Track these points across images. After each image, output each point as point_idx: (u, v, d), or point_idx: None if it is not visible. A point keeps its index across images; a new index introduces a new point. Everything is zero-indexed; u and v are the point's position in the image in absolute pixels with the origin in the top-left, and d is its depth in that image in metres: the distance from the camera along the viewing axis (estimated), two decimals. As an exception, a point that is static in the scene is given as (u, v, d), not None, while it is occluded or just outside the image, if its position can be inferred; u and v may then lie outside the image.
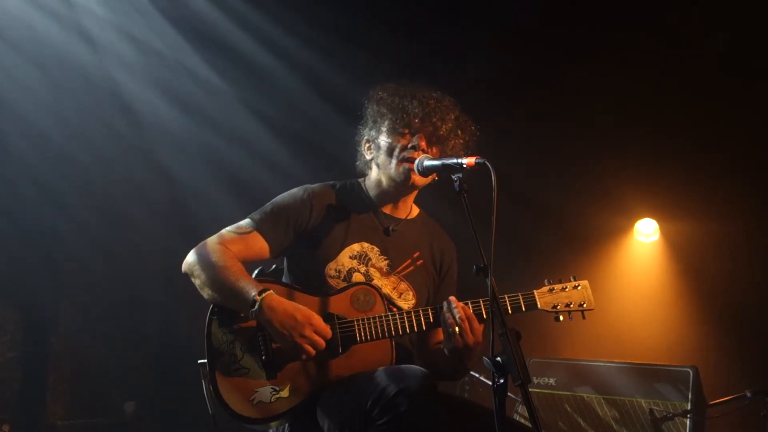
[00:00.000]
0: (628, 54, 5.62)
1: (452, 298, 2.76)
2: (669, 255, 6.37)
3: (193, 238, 2.95)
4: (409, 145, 2.92)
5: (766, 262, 5.68)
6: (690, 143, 5.77)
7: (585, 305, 2.91)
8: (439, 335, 2.86)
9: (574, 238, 6.30)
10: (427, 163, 2.80)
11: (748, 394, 4.17)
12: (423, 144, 2.92)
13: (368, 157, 3.11)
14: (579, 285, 2.93)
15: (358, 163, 3.19)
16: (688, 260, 6.20)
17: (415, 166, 2.85)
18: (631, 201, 6.31)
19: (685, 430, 4.38)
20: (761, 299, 5.58)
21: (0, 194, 5.14)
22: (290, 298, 2.78)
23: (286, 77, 5.77)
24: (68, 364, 5.62)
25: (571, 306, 2.90)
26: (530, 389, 2.20)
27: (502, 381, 2.19)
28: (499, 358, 2.20)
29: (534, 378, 4.96)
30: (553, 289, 2.91)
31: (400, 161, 2.93)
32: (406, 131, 2.94)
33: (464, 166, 2.56)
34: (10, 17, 5.05)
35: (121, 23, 5.41)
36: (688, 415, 4.35)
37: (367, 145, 3.11)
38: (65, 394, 5.61)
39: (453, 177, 2.57)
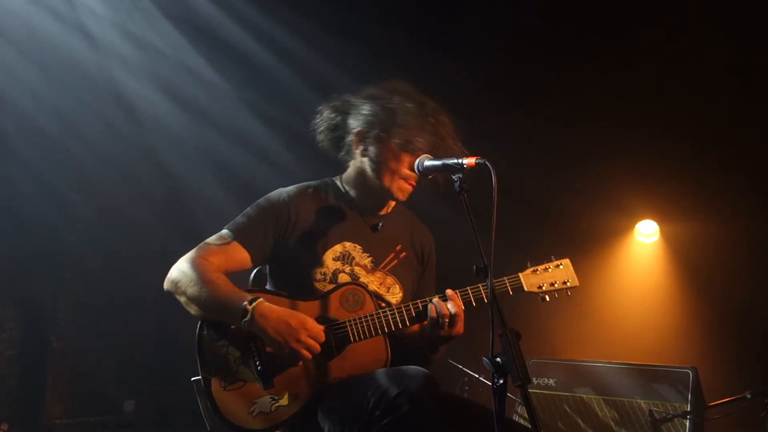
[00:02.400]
0: (628, 54, 5.62)
1: (449, 292, 2.79)
2: (669, 256, 6.35)
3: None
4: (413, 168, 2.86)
5: (767, 262, 5.67)
6: (691, 144, 5.76)
7: (569, 283, 2.94)
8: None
9: (575, 239, 6.27)
10: (427, 163, 2.78)
11: (748, 396, 4.16)
12: None
13: (356, 151, 3.01)
14: (561, 264, 2.96)
15: (341, 154, 3.09)
16: (688, 261, 6.19)
17: (415, 166, 2.83)
18: (632, 202, 6.30)
19: (685, 431, 4.37)
20: (761, 300, 5.56)
21: (0, 192, 5.14)
22: (278, 305, 2.71)
23: (286, 75, 5.76)
24: (67, 362, 5.62)
25: (556, 285, 2.92)
26: (530, 390, 2.19)
27: (501, 382, 2.18)
28: (498, 359, 2.18)
29: (533, 378, 4.95)
30: (537, 270, 2.93)
31: (401, 179, 2.91)
32: (416, 152, 2.86)
33: (464, 166, 2.53)
34: (11, 15, 5.05)
35: (121, 21, 5.41)
36: (688, 417, 4.34)
37: (358, 139, 3.00)
38: (64, 392, 5.61)
39: (453, 177, 2.55)
